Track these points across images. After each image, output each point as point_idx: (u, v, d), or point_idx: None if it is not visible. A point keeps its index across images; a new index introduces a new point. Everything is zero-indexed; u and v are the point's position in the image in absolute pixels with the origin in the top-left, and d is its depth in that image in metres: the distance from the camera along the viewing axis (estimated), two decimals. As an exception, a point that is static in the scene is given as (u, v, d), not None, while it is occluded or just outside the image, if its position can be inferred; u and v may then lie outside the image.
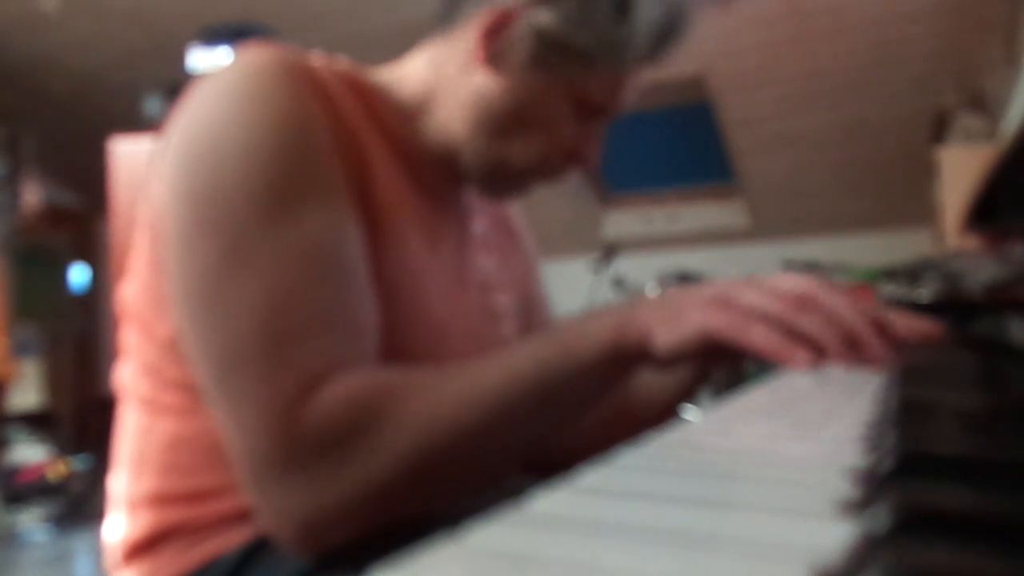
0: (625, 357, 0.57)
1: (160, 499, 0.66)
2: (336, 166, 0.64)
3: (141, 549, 0.67)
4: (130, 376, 0.71)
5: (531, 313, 0.89)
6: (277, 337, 0.57)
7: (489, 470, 0.63)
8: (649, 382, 0.84)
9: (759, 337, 0.52)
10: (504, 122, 0.72)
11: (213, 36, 2.31)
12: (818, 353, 0.52)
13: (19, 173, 3.82)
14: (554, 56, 0.70)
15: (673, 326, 0.55)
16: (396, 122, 0.74)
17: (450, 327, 0.72)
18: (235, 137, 0.61)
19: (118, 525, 0.70)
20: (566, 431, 0.64)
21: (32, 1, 3.32)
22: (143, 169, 2.20)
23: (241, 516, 0.64)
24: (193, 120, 0.63)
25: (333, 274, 0.61)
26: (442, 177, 0.78)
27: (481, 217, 0.86)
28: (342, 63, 0.74)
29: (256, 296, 0.58)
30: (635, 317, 0.57)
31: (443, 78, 0.74)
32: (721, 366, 0.77)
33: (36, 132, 3.87)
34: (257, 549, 0.63)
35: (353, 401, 0.56)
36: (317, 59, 0.70)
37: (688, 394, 0.83)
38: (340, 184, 0.64)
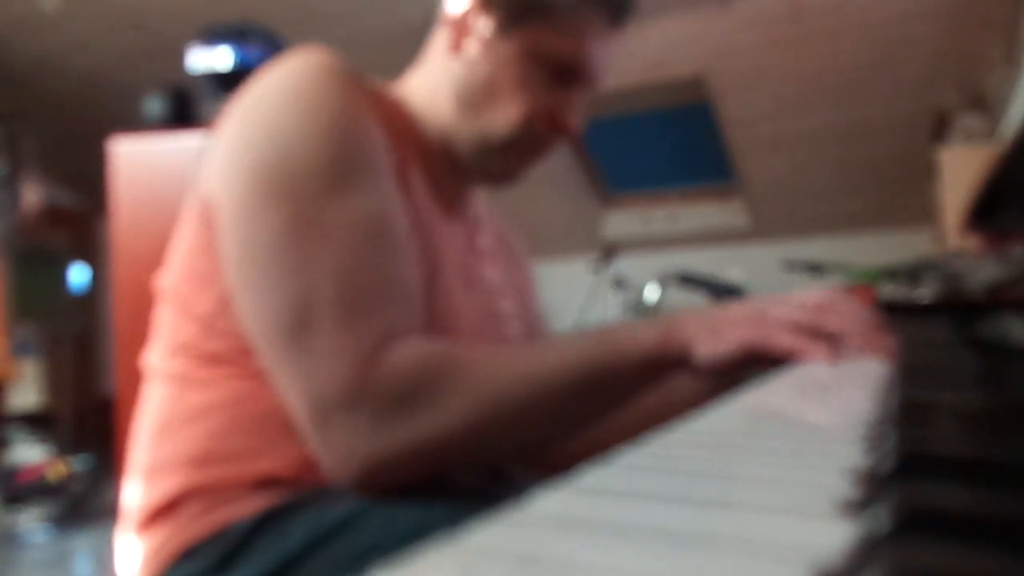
0: (666, 361, 0.64)
1: (186, 461, 0.68)
2: (384, 153, 0.70)
3: (158, 514, 0.68)
4: (159, 355, 0.74)
5: (530, 323, 0.93)
6: (353, 298, 0.63)
7: (534, 443, 0.71)
8: (679, 383, 0.87)
9: (786, 340, 0.59)
10: (479, 93, 0.78)
11: (213, 36, 2.31)
12: (836, 347, 0.60)
13: (19, 173, 3.82)
14: (514, 15, 0.76)
15: (714, 340, 0.62)
16: (414, 134, 0.79)
17: (458, 326, 0.75)
18: (298, 119, 0.67)
19: (135, 493, 0.71)
20: (606, 420, 0.70)
21: (32, 1, 3.32)
22: (144, 169, 2.20)
23: (263, 482, 0.66)
24: (254, 109, 0.69)
25: (391, 243, 0.67)
26: (454, 188, 0.83)
27: (487, 232, 0.91)
28: (368, 78, 0.79)
29: (329, 260, 0.63)
30: (679, 329, 0.64)
31: (431, 78, 0.81)
32: (753, 372, 0.82)
33: (36, 132, 3.87)
34: (269, 518, 0.64)
35: (423, 363, 0.63)
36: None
37: (716, 396, 0.84)
38: (388, 167, 0.70)
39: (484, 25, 0.77)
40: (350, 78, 0.71)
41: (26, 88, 3.95)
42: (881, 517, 0.21)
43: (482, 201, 0.92)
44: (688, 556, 0.19)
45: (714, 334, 0.62)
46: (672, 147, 4.40)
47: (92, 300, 5.21)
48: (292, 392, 0.63)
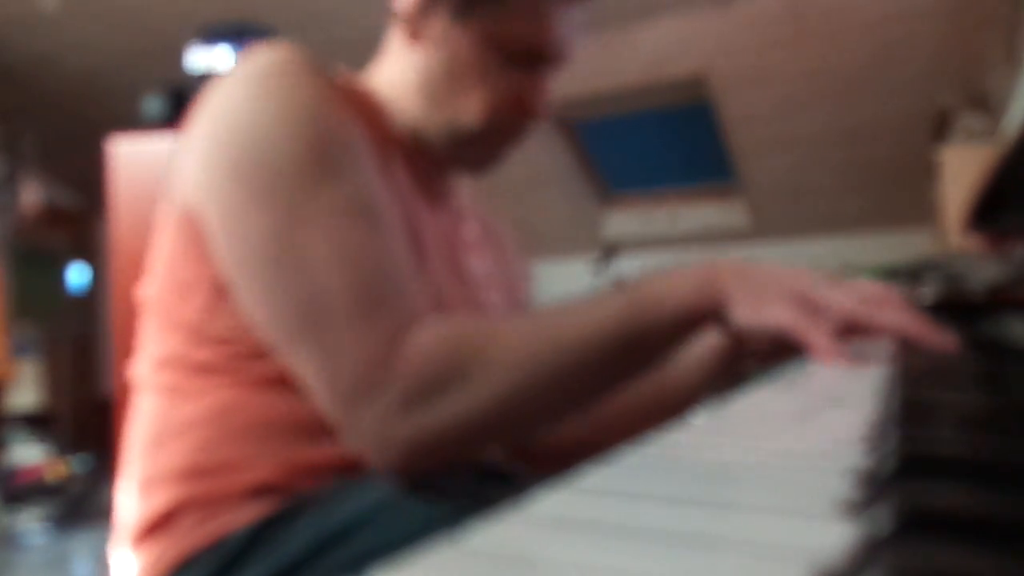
0: (701, 317, 0.62)
1: (179, 473, 0.67)
2: (361, 140, 0.68)
3: (153, 527, 0.67)
4: (147, 367, 0.72)
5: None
6: (360, 284, 0.62)
7: (570, 410, 0.69)
8: (683, 364, 0.86)
9: (822, 343, 0.57)
10: (441, 85, 0.76)
11: (213, 36, 2.31)
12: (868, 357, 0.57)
13: (19, 173, 3.82)
14: (467, 1, 0.73)
15: (754, 306, 0.60)
16: (387, 125, 0.77)
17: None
18: (271, 114, 0.65)
19: (129, 507, 0.70)
20: (639, 378, 0.69)
21: (32, 1, 3.32)
22: (143, 168, 2.20)
23: (257, 491, 0.65)
24: (225, 106, 0.67)
25: (381, 223, 0.65)
26: (435, 178, 0.81)
27: (472, 223, 0.89)
28: (335, 71, 0.77)
29: (327, 250, 0.62)
30: (717, 281, 0.62)
31: (395, 71, 0.79)
32: (755, 368, 0.81)
33: (36, 132, 3.87)
34: (266, 527, 0.64)
35: (449, 343, 0.62)
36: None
37: (722, 379, 0.84)
38: (367, 154, 0.68)
39: (438, 14, 0.74)
40: (317, 70, 0.69)
41: (26, 88, 3.95)
42: (882, 518, 0.20)
43: (467, 191, 0.90)
44: (689, 557, 0.19)
45: (755, 298, 0.60)
46: (672, 147, 4.39)
47: (91, 300, 5.21)
48: (318, 389, 0.63)
